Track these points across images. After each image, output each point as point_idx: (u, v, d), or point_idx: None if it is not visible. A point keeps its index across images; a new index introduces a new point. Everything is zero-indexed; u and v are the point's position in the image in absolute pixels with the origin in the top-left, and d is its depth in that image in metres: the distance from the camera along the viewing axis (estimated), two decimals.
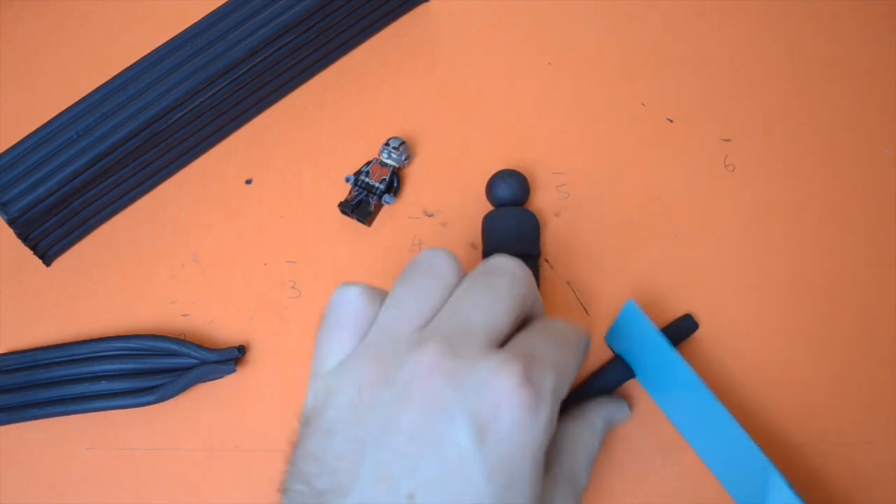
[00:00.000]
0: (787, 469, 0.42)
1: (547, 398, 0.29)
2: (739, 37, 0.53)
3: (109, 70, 0.45)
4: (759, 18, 0.54)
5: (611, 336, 0.43)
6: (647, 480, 0.42)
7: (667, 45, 0.53)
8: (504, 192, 0.46)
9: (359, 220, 0.47)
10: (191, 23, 0.46)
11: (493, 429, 0.28)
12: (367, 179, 0.48)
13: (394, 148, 0.48)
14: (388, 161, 0.48)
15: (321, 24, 0.49)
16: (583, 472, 0.35)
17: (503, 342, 0.31)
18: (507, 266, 0.33)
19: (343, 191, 0.49)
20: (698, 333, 0.45)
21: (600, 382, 0.41)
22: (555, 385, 0.30)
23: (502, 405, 0.28)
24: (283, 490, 0.30)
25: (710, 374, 0.44)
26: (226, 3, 0.47)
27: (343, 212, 0.47)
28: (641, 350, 0.41)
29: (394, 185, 0.48)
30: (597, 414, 0.38)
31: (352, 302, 0.32)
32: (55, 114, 0.44)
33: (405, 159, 0.49)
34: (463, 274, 0.34)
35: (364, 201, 0.48)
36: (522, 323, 0.34)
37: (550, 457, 0.33)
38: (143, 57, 0.46)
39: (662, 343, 0.39)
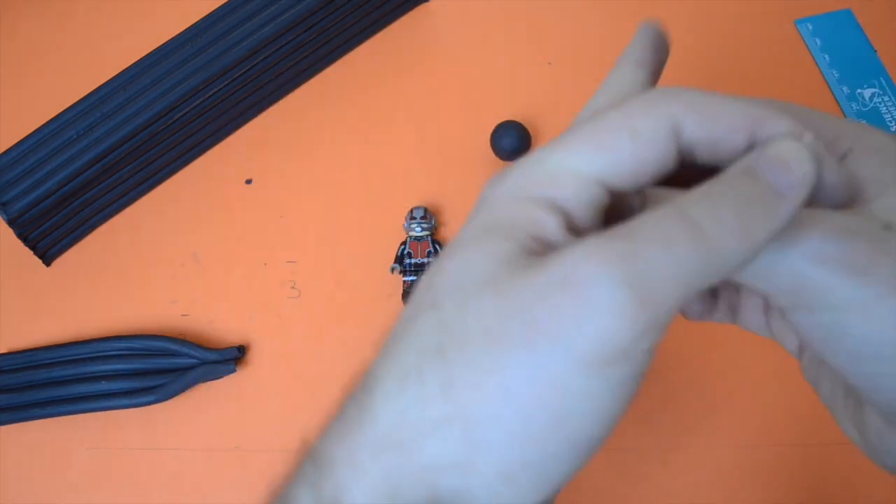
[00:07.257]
0: (787, 469, 0.42)
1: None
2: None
3: (109, 70, 0.45)
4: None
5: None
6: (648, 480, 0.42)
7: None
8: (508, 141, 0.48)
9: None
10: (191, 23, 0.46)
11: None
12: (413, 261, 0.46)
13: (420, 218, 0.47)
14: (421, 233, 0.47)
15: (321, 24, 0.49)
16: None
17: None
18: None
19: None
20: (701, 334, 0.45)
21: None
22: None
23: None
24: None
25: (708, 368, 0.44)
26: (226, 2, 0.47)
27: None
28: None
29: (440, 251, 0.47)
30: None
31: None
32: (55, 114, 0.44)
33: (434, 223, 0.47)
34: None
35: None
36: None
37: None
38: (143, 57, 0.46)
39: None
